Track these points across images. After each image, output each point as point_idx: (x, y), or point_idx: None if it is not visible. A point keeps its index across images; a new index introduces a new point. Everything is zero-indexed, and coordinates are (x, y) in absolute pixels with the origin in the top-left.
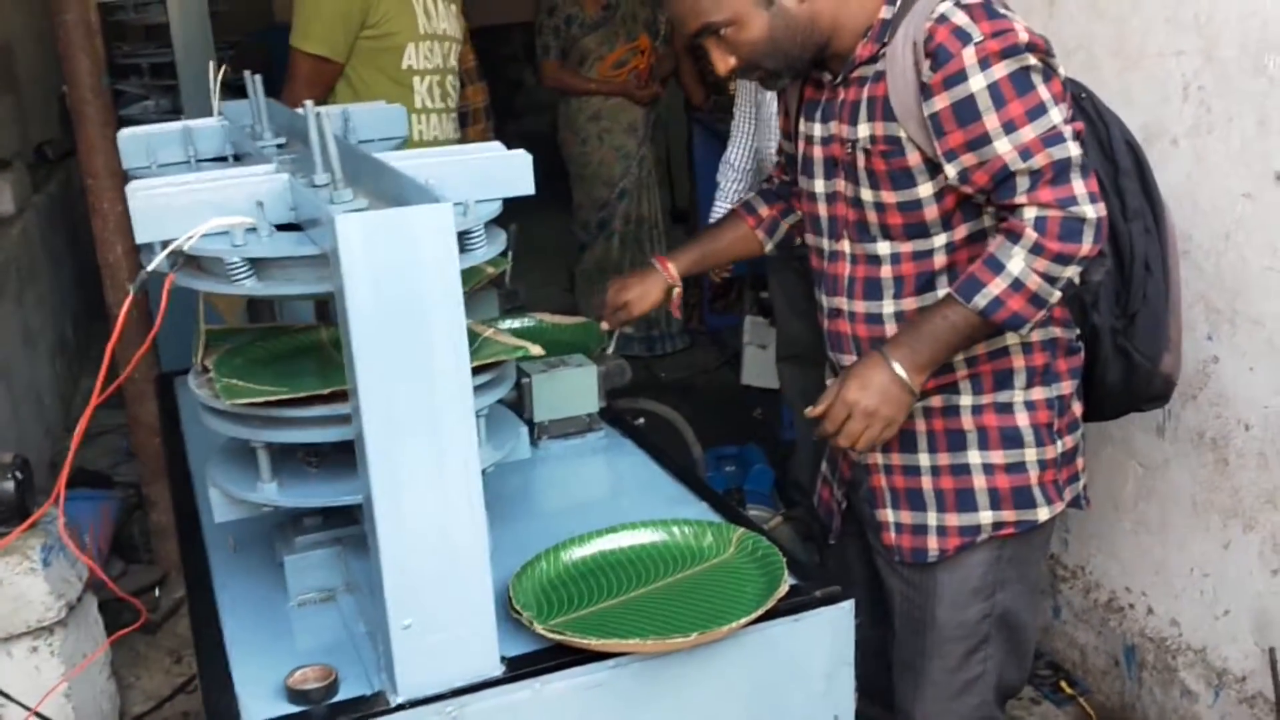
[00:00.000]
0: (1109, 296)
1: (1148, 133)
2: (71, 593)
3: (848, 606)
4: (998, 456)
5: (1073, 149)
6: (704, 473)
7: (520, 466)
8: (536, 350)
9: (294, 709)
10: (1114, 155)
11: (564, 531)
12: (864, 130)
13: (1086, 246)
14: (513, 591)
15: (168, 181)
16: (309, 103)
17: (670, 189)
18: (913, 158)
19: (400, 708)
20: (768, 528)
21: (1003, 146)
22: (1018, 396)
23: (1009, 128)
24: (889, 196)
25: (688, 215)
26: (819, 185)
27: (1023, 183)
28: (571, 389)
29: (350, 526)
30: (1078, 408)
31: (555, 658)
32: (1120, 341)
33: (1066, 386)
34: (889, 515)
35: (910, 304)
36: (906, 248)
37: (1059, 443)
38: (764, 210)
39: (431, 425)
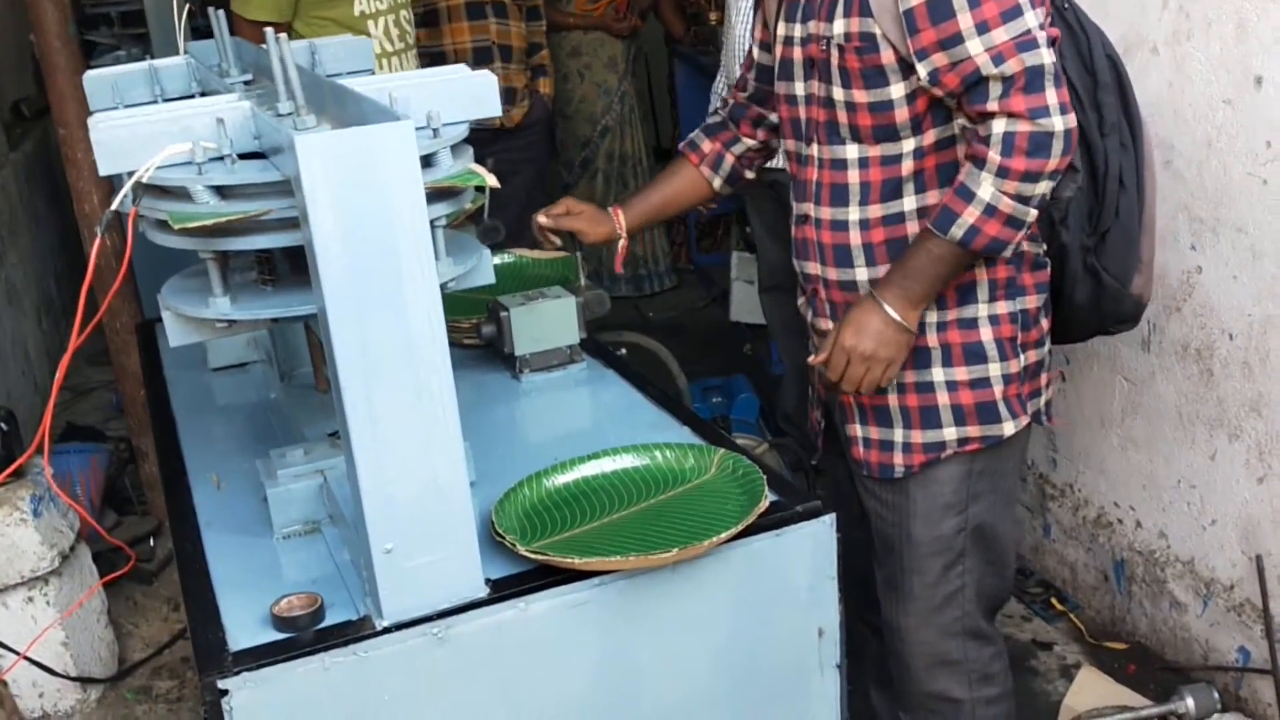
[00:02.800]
0: (1080, 213)
1: (1127, 42)
2: (64, 542)
3: (829, 520)
4: (961, 373)
5: (1046, 56)
6: (690, 403)
7: (504, 399)
8: (491, 180)
9: (281, 636)
10: (1094, 68)
11: (548, 461)
12: (840, 27)
13: (1055, 160)
14: (495, 516)
15: (130, 113)
16: (270, 31)
17: (654, 125)
18: (886, 56)
19: (386, 630)
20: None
21: (974, 48)
22: (981, 310)
23: (982, 28)
24: (860, 96)
25: (672, 152)
26: (798, 88)
27: (995, 89)
28: (551, 321)
29: (331, 458)
30: (1045, 323)
31: (539, 578)
32: (1090, 261)
33: (1032, 301)
34: (858, 430)
35: (875, 211)
36: (875, 152)
37: (1022, 357)
38: (706, 146)
39: (405, 347)
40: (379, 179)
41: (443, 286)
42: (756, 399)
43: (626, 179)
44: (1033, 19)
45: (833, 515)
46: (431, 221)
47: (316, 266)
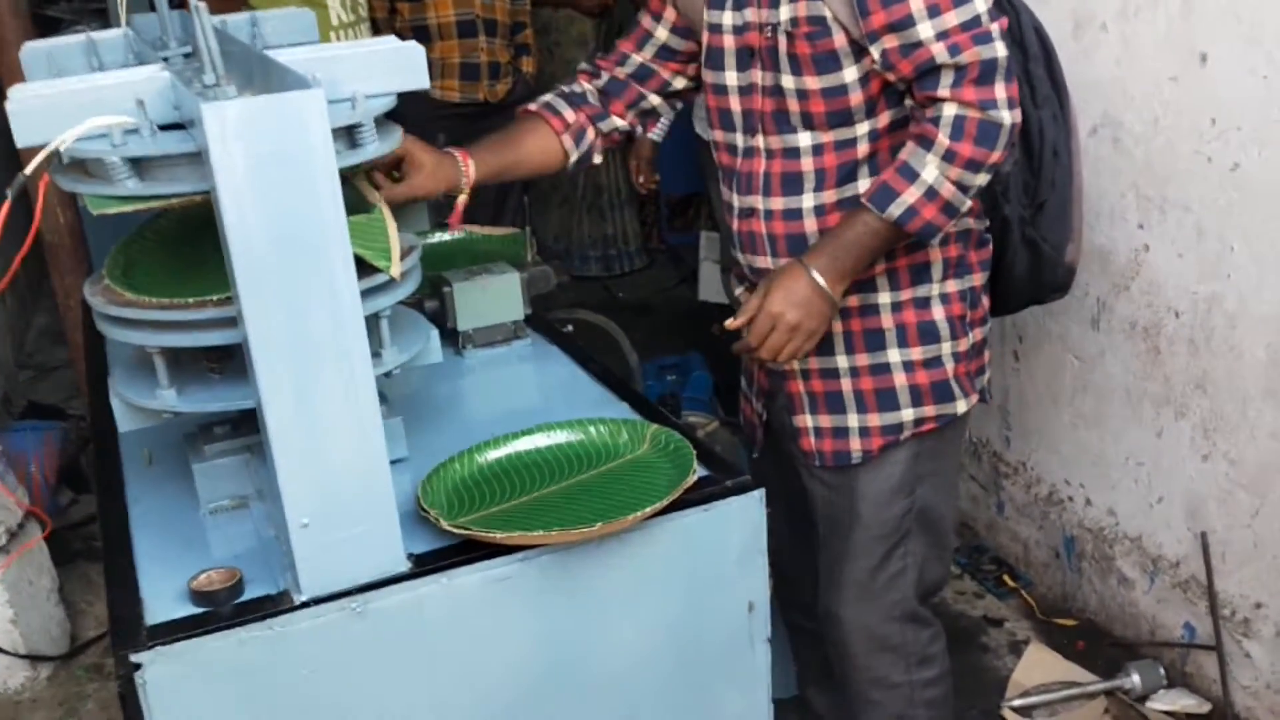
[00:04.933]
0: (1017, 186)
1: (1077, 18)
2: (12, 519)
3: (758, 495)
4: (916, 353)
5: (1000, 49)
6: (640, 380)
7: (446, 375)
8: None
9: (198, 610)
10: (1023, 41)
11: (485, 436)
12: (785, 12)
13: (998, 153)
14: (421, 492)
15: (48, 84)
16: (194, 1)
17: None
18: (838, 39)
19: (305, 605)
20: (703, 433)
21: (925, 32)
22: (934, 290)
23: (933, 11)
24: (812, 82)
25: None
26: (730, 78)
27: (947, 76)
28: (495, 296)
29: (259, 434)
30: (986, 301)
31: (464, 553)
32: (1028, 232)
33: (977, 279)
34: (808, 420)
35: (830, 196)
36: (829, 138)
37: (970, 335)
38: (570, 115)
39: (317, 319)
40: (288, 148)
41: (388, 374)
42: (709, 377)
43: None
44: (981, 3)
45: (761, 490)
46: (377, 313)
47: (226, 237)
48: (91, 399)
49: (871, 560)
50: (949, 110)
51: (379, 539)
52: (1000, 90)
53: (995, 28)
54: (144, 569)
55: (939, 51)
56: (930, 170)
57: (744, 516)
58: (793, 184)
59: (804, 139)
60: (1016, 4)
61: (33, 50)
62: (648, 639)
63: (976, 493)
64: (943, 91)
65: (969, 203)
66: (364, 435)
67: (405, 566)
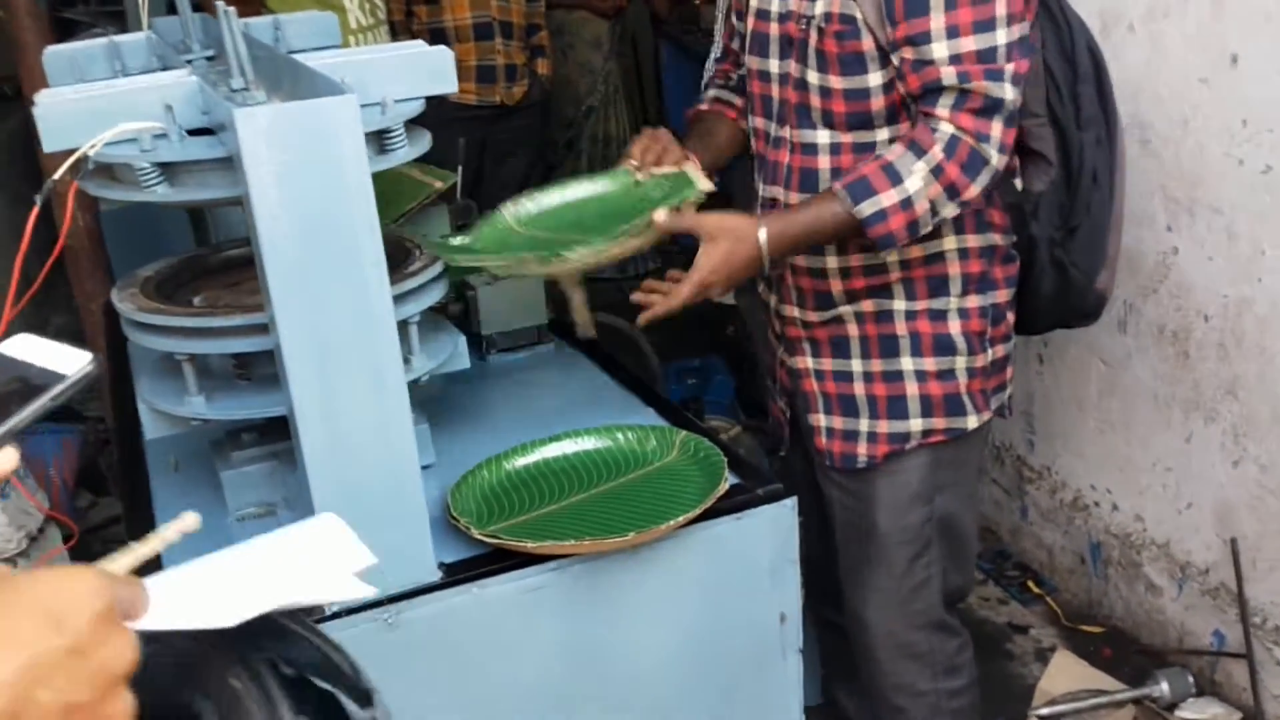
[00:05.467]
0: (1051, 207)
1: (1105, 19)
2: (32, 523)
3: (790, 504)
4: (929, 363)
5: (1009, 92)
6: (662, 384)
7: (469, 380)
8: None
9: None
10: (1074, 59)
11: (511, 442)
12: (821, 7)
13: (976, 189)
14: (451, 499)
15: (76, 89)
16: (220, 5)
17: (642, 108)
18: (866, 42)
19: (335, 616)
20: (726, 437)
21: (939, 52)
22: (952, 304)
23: (951, 32)
24: (836, 82)
25: None
26: (773, 65)
27: (948, 98)
28: (519, 301)
29: (286, 441)
30: (1010, 316)
31: (495, 562)
32: (1057, 254)
33: (1002, 295)
34: (821, 420)
35: None
36: (847, 139)
37: (989, 351)
38: (739, 101)
39: (351, 328)
40: (321, 154)
41: (417, 381)
42: (731, 381)
43: (611, 161)
44: (1003, 36)
45: (794, 499)
46: (406, 319)
47: (259, 244)
48: (114, 404)
49: (896, 568)
50: (946, 129)
51: (410, 548)
52: (996, 129)
53: (1010, 68)
54: None
55: (947, 75)
56: (915, 180)
57: (775, 526)
58: (809, 180)
59: (822, 136)
60: (1073, 22)
61: (55, 54)
62: (678, 649)
63: (1000, 497)
64: (941, 111)
65: (928, 229)
66: (396, 444)
67: (437, 576)
